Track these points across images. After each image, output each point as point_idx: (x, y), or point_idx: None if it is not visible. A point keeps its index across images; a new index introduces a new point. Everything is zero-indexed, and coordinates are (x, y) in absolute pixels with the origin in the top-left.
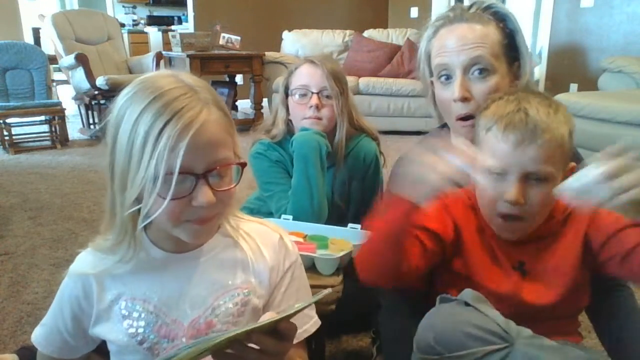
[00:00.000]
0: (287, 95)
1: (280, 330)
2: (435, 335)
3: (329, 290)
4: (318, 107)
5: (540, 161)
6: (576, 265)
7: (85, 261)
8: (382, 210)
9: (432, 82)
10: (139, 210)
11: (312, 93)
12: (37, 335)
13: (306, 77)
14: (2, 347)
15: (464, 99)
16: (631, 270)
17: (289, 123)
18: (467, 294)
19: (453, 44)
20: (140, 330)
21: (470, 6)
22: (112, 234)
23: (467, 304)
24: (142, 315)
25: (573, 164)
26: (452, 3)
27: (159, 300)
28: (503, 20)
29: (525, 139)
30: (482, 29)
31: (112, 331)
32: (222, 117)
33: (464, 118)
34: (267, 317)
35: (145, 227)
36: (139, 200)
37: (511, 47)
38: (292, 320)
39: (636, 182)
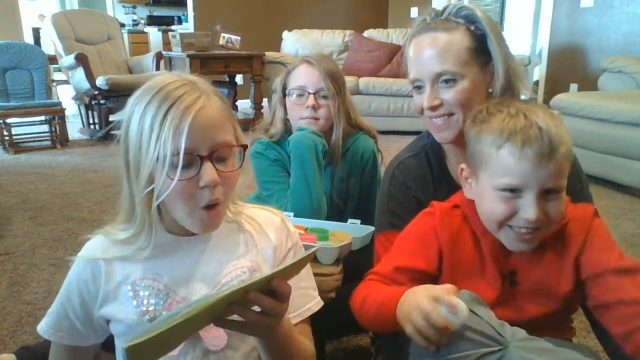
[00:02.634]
0: (284, 94)
1: (275, 290)
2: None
3: (318, 246)
4: (315, 108)
5: (558, 176)
6: (565, 279)
7: (95, 246)
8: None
9: None
10: (152, 195)
11: (309, 94)
12: (44, 325)
13: (303, 77)
14: (2, 347)
15: (434, 108)
16: (606, 323)
17: (286, 122)
18: (463, 295)
19: (419, 57)
20: (151, 308)
21: (444, 10)
22: (131, 226)
23: None
24: (153, 293)
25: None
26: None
27: (168, 279)
28: (474, 23)
29: (545, 155)
30: (447, 37)
31: (121, 311)
32: (222, 104)
33: (431, 116)
34: (261, 274)
35: (159, 214)
36: (150, 182)
37: (483, 50)
38: (296, 297)
39: None
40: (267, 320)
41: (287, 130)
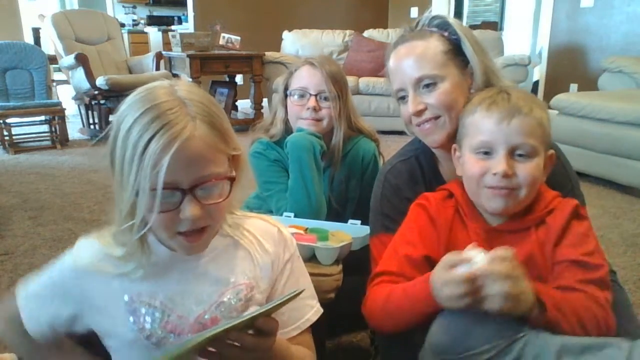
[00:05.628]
0: (286, 95)
1: (258, 327)
2: (453, 337)
3: (302, 290)
4: (316, 109)
5: (523, 134)
6: (546, 258)
7: (91, 254)
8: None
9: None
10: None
11: (310, 95)
12: (24, 295)
13: (305, 79)
14: (2, 347)
15: (419, 112)
16: None
17: (287, 122)
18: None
19: (399, 67)
20: (147, 325)
21: (417, 23)
22: (125, 245)
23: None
24: (149, 311)
25: (552, 151)
26: (452, 3)
27: (164, 296)
28: (447, 29)
29: (508, 114)
30: (422, 44)
31: (116, 326)
32: (210, 133)
33: (419, 123)
34: (247, 312)
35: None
36: (131, 215)
37: (459, 52)
38: (295, 309)
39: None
40: (250, 355)
41: (288, 130)
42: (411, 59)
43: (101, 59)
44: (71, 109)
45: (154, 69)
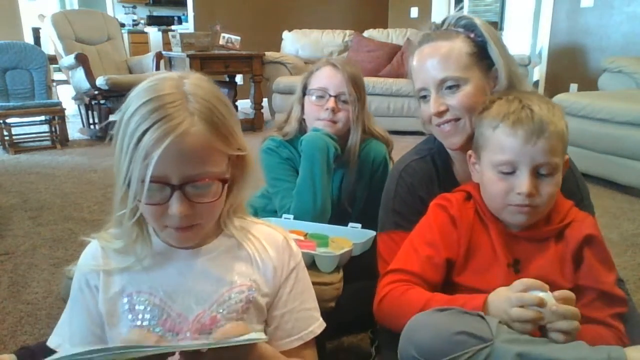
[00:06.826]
0: (304, 94)
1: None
2: (417, 348)
3: (264, 338)
4: (334, 111)
5: (548, 153)
6: (567, 276)
7: (93, 255)
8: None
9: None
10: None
11: (330, 96)
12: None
13: (326, 79)
14: (2, 347)
15: (440, 113)
16: None
17: (302, 122)
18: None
19: (422, 66)
20: (146, 323)
21: (443, 22)
22: (122, 235)
23: (444, 309)
24: (148, 308)
25: (567, 156)
26: (452, 4)
27: (164, 293)
28: (473, 31)
29: (534, 133)
30: (447, 44)
31: (117, 323)
32: (207, 131)
33: (439, 123)
34: (200, 342)
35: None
36: (123, 203)
37: (484, 55)
38: (299, 319)
39: None
40: None
41: (302, 130)
42: (435, 59)
43: (101, 59)
44: (71, 109)
45: (154, 69)
